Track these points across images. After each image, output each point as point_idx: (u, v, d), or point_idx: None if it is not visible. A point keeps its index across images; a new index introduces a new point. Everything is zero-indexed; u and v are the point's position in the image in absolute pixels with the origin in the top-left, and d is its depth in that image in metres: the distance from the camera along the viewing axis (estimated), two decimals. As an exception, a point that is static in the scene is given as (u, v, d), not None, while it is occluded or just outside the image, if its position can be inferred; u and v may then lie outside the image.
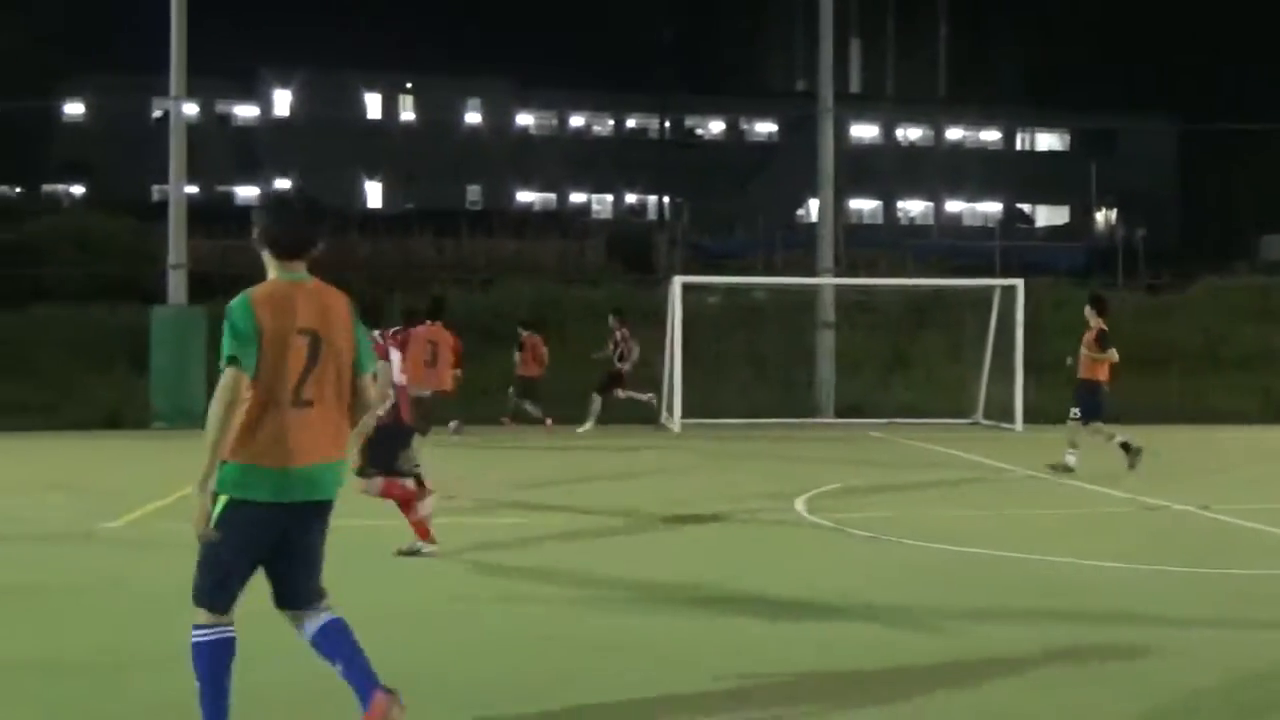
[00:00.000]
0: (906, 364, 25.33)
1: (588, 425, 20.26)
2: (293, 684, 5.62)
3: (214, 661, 4.63)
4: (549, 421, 20.43)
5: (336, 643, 4.74)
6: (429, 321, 13.89)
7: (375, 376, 5.06)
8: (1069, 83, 64.46)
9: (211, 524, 4.55)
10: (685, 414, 21.42)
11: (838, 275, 26.69)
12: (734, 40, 71.90)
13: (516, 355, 20.99)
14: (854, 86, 70.26)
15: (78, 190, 53.99)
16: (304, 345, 4.65)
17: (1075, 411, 14.61)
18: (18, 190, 53.77)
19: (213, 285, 27.36)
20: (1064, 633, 6.86)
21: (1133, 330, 22.83)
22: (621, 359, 20.41)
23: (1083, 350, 14.65)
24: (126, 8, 38.90)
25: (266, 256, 4.85)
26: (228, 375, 4.53)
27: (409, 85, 63.83)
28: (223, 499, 4.57)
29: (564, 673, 6.03)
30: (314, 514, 4.73)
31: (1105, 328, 14.61)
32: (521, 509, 11.82)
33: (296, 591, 4.77)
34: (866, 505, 12.09)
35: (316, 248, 4.90)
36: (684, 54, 58.98)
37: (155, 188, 48.04)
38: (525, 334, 21.17)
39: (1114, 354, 14.42)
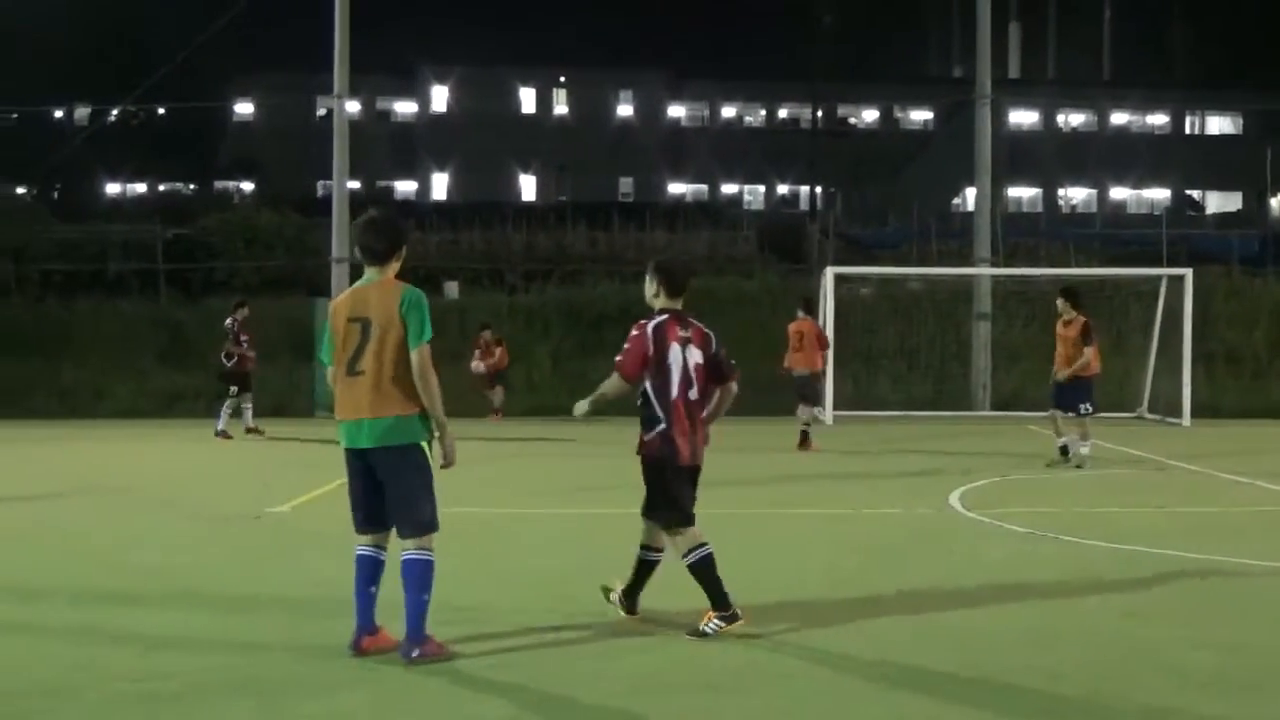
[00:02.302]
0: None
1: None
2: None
3: (357, 570, 6.07)
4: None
5: (404, 576, 5.95)
6: (800, 315, 17.12)
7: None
8: (1241, 63, 61.80)
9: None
10: (837, 406, 21.25)
11: (995, 265, 26.19)
12: (888, 26, 70.83)
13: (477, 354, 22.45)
14: (1013, 72, 68.52)
15: (247, 187, 56.04)
16: (357, 329, 5.95)
17: (1085, 408, 14.13)
18: (191, 188, 56.09)
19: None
20: (1227, 634, 6.61)
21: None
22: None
23: (1060, 348, 14.09)
24: (291, 9, 40.23)
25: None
26: (426, 351, 5.92)
27: (562, 79, 64.54)
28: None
29: (733, 666, 6.04)
30: (375, 459, 5.95)
31: (1089, 320, 14.13)
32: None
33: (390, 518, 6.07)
34: (1023, 500, 11.82)
35: (397, 256, 6.11)
36: (837, 42, 58.31)
37: (319, 183, 49.62)
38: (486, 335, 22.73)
39: (1090, 353, 13.89)
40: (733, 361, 6.88)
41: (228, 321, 18.71)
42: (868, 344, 23.96)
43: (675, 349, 6.55)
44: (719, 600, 6.44)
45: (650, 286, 6.82)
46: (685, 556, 6.47)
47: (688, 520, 6.60)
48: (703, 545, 6.54)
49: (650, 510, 6.63)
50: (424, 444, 6.01)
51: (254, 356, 18.91)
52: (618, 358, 6.57)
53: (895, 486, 12.85)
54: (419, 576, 5.93)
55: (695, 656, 6.13)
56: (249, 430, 18.62)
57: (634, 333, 6.61)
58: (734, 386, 6.86)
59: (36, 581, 7.99)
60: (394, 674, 5.79)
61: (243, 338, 18.58)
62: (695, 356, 6.60)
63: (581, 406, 6.68)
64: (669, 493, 6.55)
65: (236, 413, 18.75)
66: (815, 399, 17.77)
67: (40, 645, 6.36)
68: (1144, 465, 15.11)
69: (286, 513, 10.99)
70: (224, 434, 18.18)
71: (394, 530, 6.08)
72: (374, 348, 5.91)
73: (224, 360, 18.69)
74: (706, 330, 6.76)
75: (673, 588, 7.69)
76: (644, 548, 6.71)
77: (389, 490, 5.99)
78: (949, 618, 6.96)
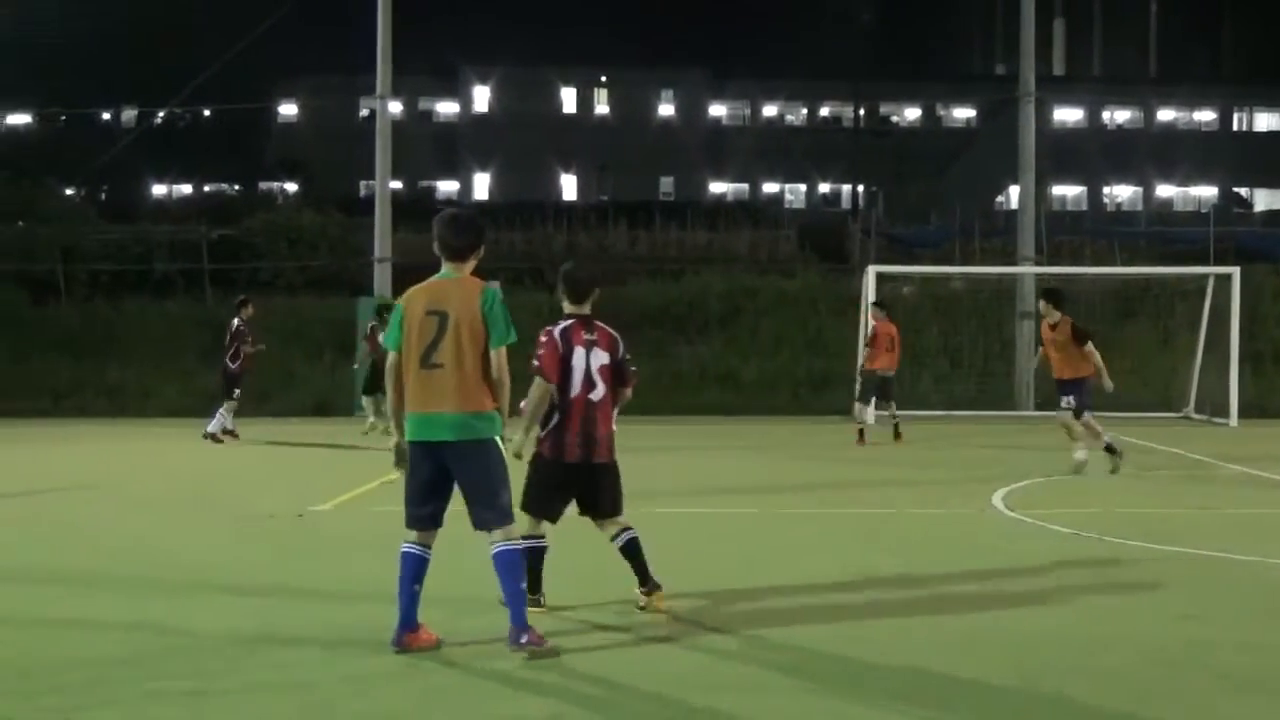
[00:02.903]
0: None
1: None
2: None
3: (403, 568, 6.11)
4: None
5: (498, 568, 6.07)
6: (883, 316, 17.74)
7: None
8: (1291, 58, 61.01)
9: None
10: (880, 406, 21.12)
11: (1039, 264, 25.98)
12: (931, 24, 70.42)
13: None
14: (1057, 69, 67.96)
15: (291, 187, 56.48)
16: (434, 323, 6.02)
17: (1068, 401, 13.56)
18: (236, 188, 56.59)
19: (417, 277, 28.33)
20: (1274, 637, 6.53)
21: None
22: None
23: (1045, 351, 13.68)
24: (335, 11, 40.49)
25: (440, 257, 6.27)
26: (504, 352, 6.10)
27: (603, 79, 64.61)
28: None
29: (775, 667, 6.04)
30: (452, 453, 6.02)
31: (1073, 320, 13.65)
32: (723, 496, 11.89)
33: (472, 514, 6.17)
34: (1067, 500, 11.72)
35: (475, 253, 6.25)
36: (879, 40, 58.08)
37: (362, 184, 49.93)
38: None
39: (1094, 353, 13.48)
40: (634, 368, 7.26)
41: (235, 321, 17.90)
42: (910, 343, 23.75)
43: (580, 352, 6.87)
44: (530, 591, 6.54)
45: (559, 293, 7.14)
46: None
47: (548, 517, 6.98)
48: (538, 538, 6.87)
49: (522, 503, 6.79)
50: (499, 439, 6.14)
51: (253, 355, 18.10)
52: (535, 364, 6.79)
53: (938, 487, 12.78)
54: (515, 566, 6.08)
55: (736, 656, 6.13)
56: (226, 432, 17.84)
57: (543, 338, 6.88)
58: (629, 392, 7.24)
59: (84, 577, 8.09)
60: (437, 671, 5.83)
61: (249, 338, 17.89)
62: (601, 359, 6.93)
63: (518, 443, 6.68)
64: (544, 488, 6.87)
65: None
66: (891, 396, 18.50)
67: (88, 640, 6.44)
68: (1190, 466, 14.94)
69: (329, 511, 11.08)
70: (215, 437, 17.58)
71: (436, 528, 6.21)
72: (452, 342, 6.00)
73: (230, 362, 17.77)
74: (614, 334, 7.08)
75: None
76: (526, 538, 6.65)
77: (468, 484, 6.08)
78: (993, 619, 6.92)
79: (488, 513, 6.09)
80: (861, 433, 17.55)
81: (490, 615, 6.49)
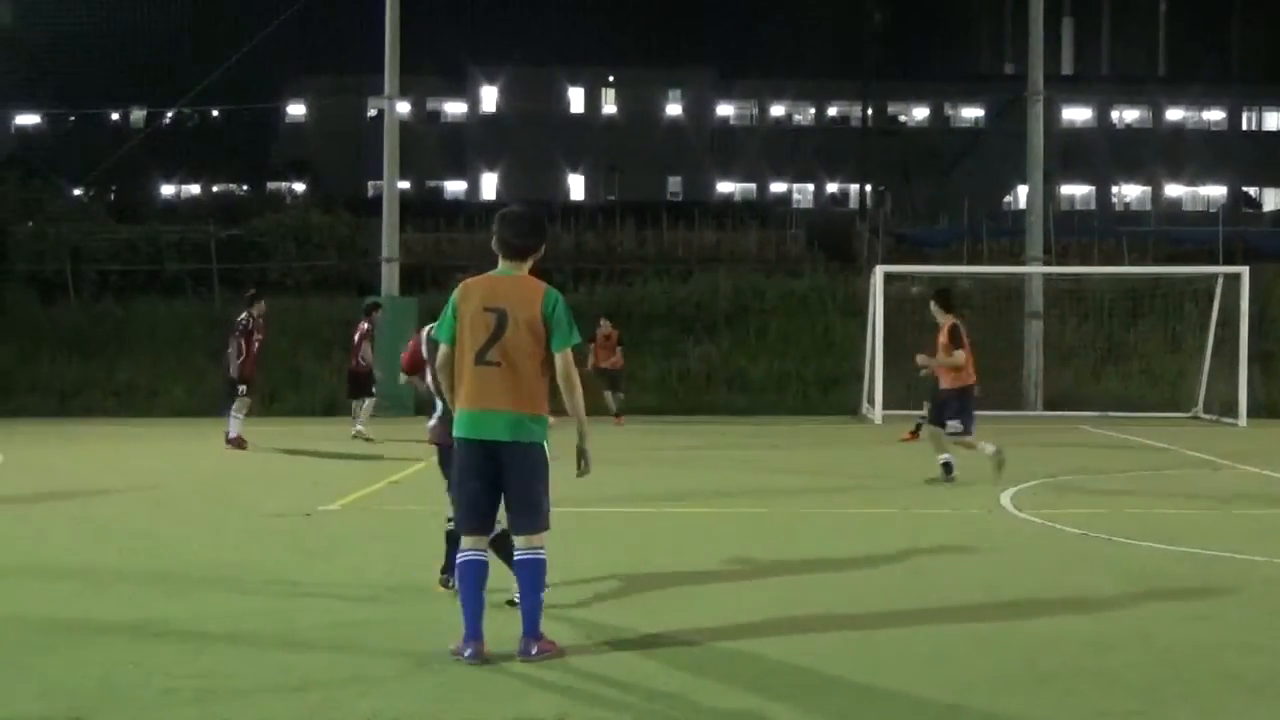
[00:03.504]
0: (1120, 355, 24.47)
1: None
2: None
3: (468, 576, 5.96)
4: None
5: (520, 576, 6.01)
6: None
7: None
8: (1301, 57, 60.82)
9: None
10: (887, 405, 21.13)
11: (1047, 264, 25.95)
12: (939, 23, 70.31)
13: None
14: (1066, 68, 67.79)
15: (299, 188, 56.55)
16: (492, 319, 5.86)
17: (955, 425, 12.73)
18: (244, 188, 56.68)
19: (424, 277, 28.42)
20: (1289, 638, 6.51)
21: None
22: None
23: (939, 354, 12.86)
24: (343, 12, 40.55)
25: (498, 254, 6.09)
26: (570, 354, 5.94)
27: (611, 79, 64.60)
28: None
29: (785, 669, 6.04)
30: (504, 453, 5.89)
31: (958, 323, 12.86)
32: (719, 498, 11.88)
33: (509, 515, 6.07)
34: (1076, 501, 11.71)
35: (536, 253, 6.09)
36: (887, 39, 57.95)
37: (370, 184, 49.99)
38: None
39: (961, 356, 12.57)
40: None
41: (243, 317, 16.98)
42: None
43: None
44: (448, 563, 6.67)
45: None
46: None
47: None
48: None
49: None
50: (546, 445, 6.05)
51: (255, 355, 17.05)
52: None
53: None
54: (537, 575, 5.99)
55: (743, 656, 6.12)
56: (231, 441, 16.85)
57: (418, 336, 7.06)
58: None
59: (93, 578, 8.11)
60: (444, 671, 5.83)
61: (256, 336, 17.00)
62: None
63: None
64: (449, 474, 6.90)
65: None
66: None
67: (97, 640, 6.45)
68: (1199, 466, 14.91)
69: (337, 511, 11.09)
70: (239, 442, 16.69)
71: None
72: (510, 341, 5.88)
73: (236, 359, 16.78)
74: None
75: (720, 585, 7.68)
76: (450, 519, 6.94)
77: (513, 486, 5.96)
78: (1003, 620, 6.91)
79: (526, 519, 6.00)
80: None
81: (494, 614, 6.49)
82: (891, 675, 5.81)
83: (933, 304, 13.30)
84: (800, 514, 11.06)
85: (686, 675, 5.78)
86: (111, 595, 7.57)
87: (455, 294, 6.03)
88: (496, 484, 5.97)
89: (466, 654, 5.90)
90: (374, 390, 18.50)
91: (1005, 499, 11.69)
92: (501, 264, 6.09)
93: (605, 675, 5.76)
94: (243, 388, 16.93)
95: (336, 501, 11.55)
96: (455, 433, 5.99)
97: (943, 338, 12.91)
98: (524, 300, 5.92)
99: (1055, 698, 5.48)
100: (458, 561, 6.06)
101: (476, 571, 5.98)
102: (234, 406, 16.98)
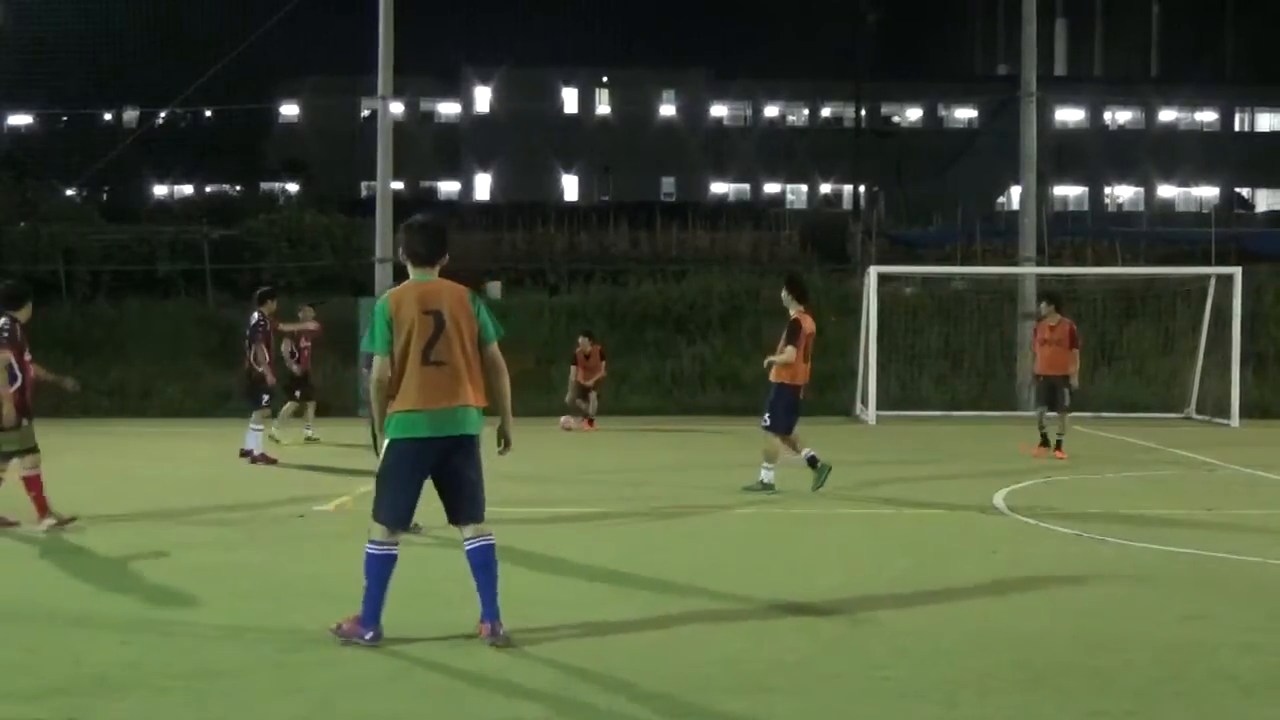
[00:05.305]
0: (1114, 356, 24.46)
1: None
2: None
3: (385, 569, 6.25)
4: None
5: (480, 563, 6.25)
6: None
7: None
8: (1293, 59, 60.96)
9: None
10: (880, 406, 21.15)
11: (1040, 264, 25.97)
12: (932, 24, 70.39)
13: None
14: (1059, 69, 67.92)
15: (292, 188, 56.48)
16: (431, 321, 6.16)
17: (764, 420, 12.17)
18: (238, 189, 56.59)
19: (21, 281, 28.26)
20: (1277, 639, 6.54)
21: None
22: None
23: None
24: (336, 12, 40.50)
25: (406, 264, 6.42)
26: (497, 348, 6.38)
27: (605, 79, 64.60)
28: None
29: (783, 667, 6.04)
30: (456, 448, 6.20)
31: (800, 317, 12.00)
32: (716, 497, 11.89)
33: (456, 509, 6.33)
34: (1068, 501, 11.72)
35: (443, 259, 6.40)
36: (881, 40, 58.02)
37: (364, 184, 49.93)
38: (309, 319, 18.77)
39: (791, 353, 11.86)
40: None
41: (255, 317, 15.54)
42: (911, 344, 23.84)
43: None
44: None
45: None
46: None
47: None
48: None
49: None
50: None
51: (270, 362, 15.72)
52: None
53: (939, 487, 12.78)
54: (494, 558, 6.30)
55: (743, 657, 6.13)
56: (259, 456, 15.18)
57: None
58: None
59: (87, 578, 8.10)
60: (435, 671, 5.83)
61: (269, 335, 15.70)
62: None
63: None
64: None
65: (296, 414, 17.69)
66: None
67: (91, 642, 6.44)
68: (1192, 466, 14.94)
69: (330, 512, 11.08)
70: (265, 457, 15.11)
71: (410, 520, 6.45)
72: (452, 340, 6.21)
73: (255, 365, 15.36)
74: None
75: (713, 585, 7.69)
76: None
77: (462, 478, 6.25)
78: (997, 619, 6.92)
79: (477, 508, 6.31)
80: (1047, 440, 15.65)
81: (506, 610, 6.49)
82: (885, 674, 5.82)
83: (784, 293, 12.38)
84: (793, 514, 11.07)
85: (682, 674, 5.79)
86: (106, 595, 7.56)
87: (385, 305, 6.27)
88: (422, 483, 6.28)
89: (368, 636, 6.19)
90: (264, 400, 15.28)
91: (999, 499, 11.71)
92: (414, 272, 6.40)
93: (601, 675, 5.76)
94: (266, 396, 15.44)
95: (330, 502, 11.54)
96: (408, 433, 6.16)
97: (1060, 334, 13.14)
98: (456, 301, 6.30)
99: (1048, 697, 5.49)
100: (384, 554, 6.25)
101: (394, 565, 6.29)
102: (254, 417, 15.30)
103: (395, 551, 6.30)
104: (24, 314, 10.61)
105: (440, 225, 6.63)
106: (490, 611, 6.25)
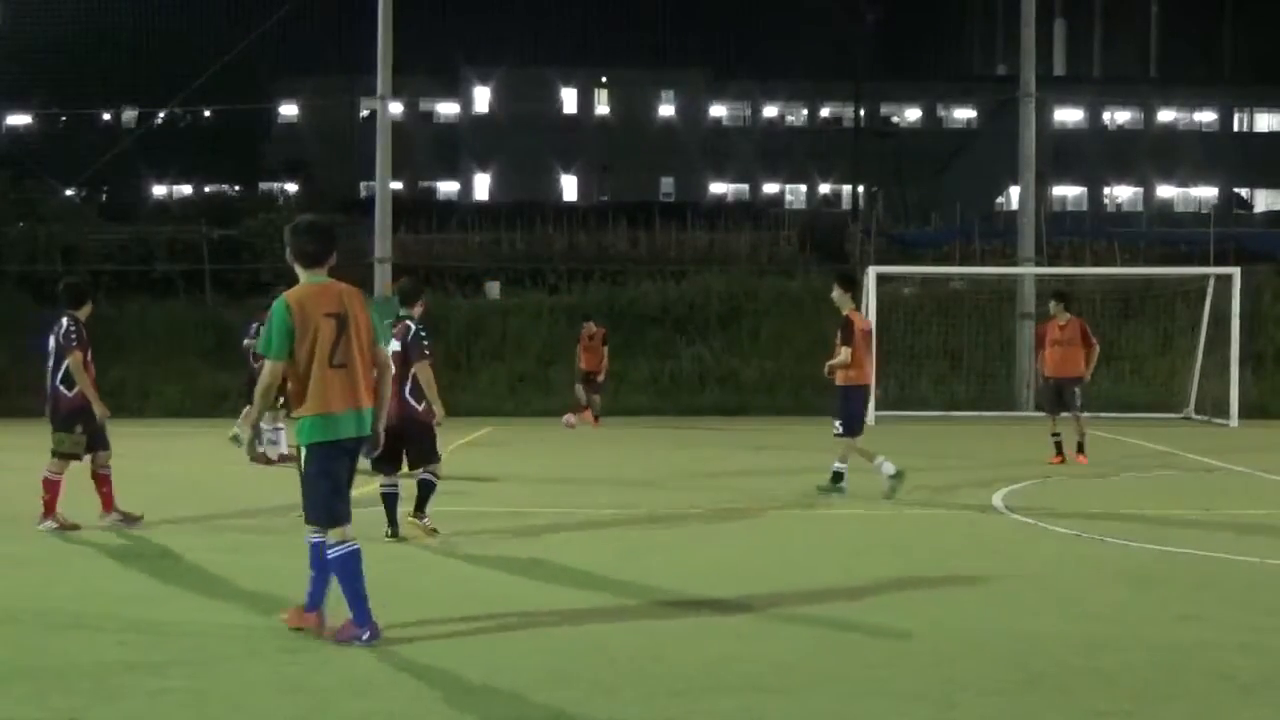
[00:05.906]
0: (1112, 356, 24.48)
1: None
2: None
3: (356, 564, 6.26)
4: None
5: (342, 572, 6.26)
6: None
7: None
8: (1291, 59, 60.96)
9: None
10: (879, 406, 21.16)
11: (1039, 265, 25.99)
12: (931, 24, 70.39)
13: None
14: (1058, 69, 67.92)
15: (291, 188, 56.44)
16: (333, 324, 6.22)
17: (837, 425, 12.01)
18: (237, 189, 56.58)
19: (417, 277, 28.38)
20: (1275, 639, 6.53)
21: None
22: None
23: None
24: (336, 12, 40.51)
25: (296, 266, 6.44)
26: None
27: (604, 79, 64.58)
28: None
29: (779, 667, 6.05)
30: (358, 447, 6.36)
31: (853, 315, 11.88)
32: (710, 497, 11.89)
33: None
34: (1067, 501, 11.73)
35: (332, 259, 6.46)
36: (879, 40, 58.04)
37: (362, 184, 49.93)
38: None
39: (847, 354, 11.64)
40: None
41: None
42: (910, 344, 23.86)
43: None
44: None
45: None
46: (339, 545, 6.43)
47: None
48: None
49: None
50: None
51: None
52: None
53: (938, 487, 12.78)
54: (358, 565, 6.29)
55: (735, 657, 6.13)
56: (266, 458, 14.49)
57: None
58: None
59: (87, 580, 8.10)
60: (433, 671, 5.83)
61: None
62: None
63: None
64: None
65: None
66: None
67: (90, 642, 6.45)
68: (1191, 466, 14.94)
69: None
70: (283, 457, 14.67)
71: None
72: (353, 343, 6.32)
73: (255, 364, 13.67)
74: None
75: (715, 586, 7.70)
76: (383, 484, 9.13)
77: (349, 479, 6.40)
78: (996, 620, 6.93)
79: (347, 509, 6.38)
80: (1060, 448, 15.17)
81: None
82: (883, 674, 5.82)
83: (835, 291, 11.98)
84: (793, 514, 11.07)
85: (679, 675, 5.79)
86: (105, 596, 7.56)
87: (285, 310, 6.25)
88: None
89: (365, 636, 6.18)
90: (76, 428, 10.54)
91: (997, 499, 11.72)
92: (306, 274, 6.45)
93: (599, 675, 5.76)
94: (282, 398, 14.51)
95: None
96: (328, 436, 6.23)
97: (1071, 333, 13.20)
98: (355, 303, 6.45)
99: (1047, 697, 5.50)
100: (348, 551, 6.25)
101: (361, 557, 6.31)
102: (264, 419, 13.97)
103: (356, 545, 6.31)
104: (84, 313, 10.70)
105: (328, 225, 6.72)
106: (361, 611, 6.25)
